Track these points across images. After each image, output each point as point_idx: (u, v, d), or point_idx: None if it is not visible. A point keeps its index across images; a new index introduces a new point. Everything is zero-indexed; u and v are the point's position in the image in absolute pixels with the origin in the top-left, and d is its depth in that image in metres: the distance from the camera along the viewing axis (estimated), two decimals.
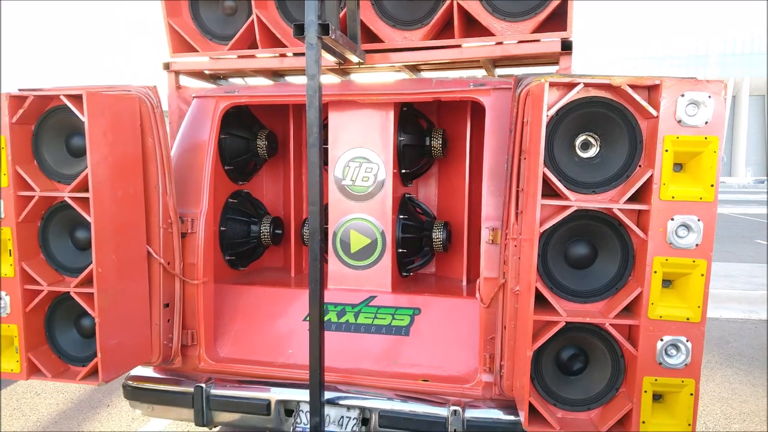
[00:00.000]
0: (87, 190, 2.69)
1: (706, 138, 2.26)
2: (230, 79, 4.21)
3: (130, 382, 3.34)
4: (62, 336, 2.98)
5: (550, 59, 3.52)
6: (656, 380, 2.36)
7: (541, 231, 2.38)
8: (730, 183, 69.91)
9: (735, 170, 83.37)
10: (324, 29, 2.74)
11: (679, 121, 2.26)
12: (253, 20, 3.56)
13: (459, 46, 3.38)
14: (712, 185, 2.27)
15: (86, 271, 2.75)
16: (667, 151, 2.28)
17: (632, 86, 2.31)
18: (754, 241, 15.51)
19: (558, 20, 3.22)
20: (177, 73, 3.77)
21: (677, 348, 2.34)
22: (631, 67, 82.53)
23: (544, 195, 2.36)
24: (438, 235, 3.87)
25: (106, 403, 4.75)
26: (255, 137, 4.07)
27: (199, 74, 3.92)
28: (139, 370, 3.35)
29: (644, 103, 2.30)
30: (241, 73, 4.06)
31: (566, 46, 3.20)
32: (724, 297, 8.45)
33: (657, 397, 2.43)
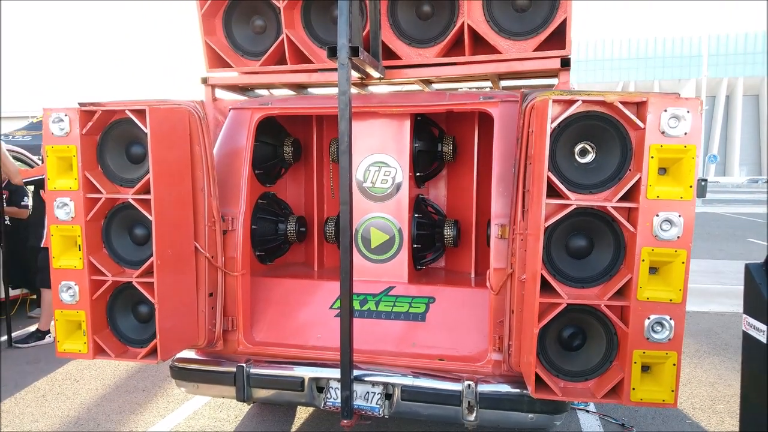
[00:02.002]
0: (148, 192, 3.08)
1: (685, 146, 2.65)
2: (257, 90, 4.60)
3: (177, 364, 3.73)
4: (122, 321, 3.35)
5: (550, 73, 3.92)
6: (644, 353, 2.76)
7: (546, 226, 2.78)
8: (724, 182, 70.47)
9: (729, 170, 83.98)
10: (354, 51, 3.14)
11: (663, 132, 2.66)
12: (282, 39, 3.94)
13: (469, 62, 3.77)
14: (690, 186, 2.67)
15: (147, 263, 3.14)
16: (652, 157, 2.67)
17: (623, 102, 2.71)
18: (745, 239, 15.97)
19: (558, 39, 3.62)
20: (213, 86, 4.16)
21: (662, 325, 2.73)
22: (626, 69, 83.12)
23: (548, 195, 2.75)
24: (449, 232, 4.26)
25: (141, 388, 5.14)
26: (282, 144, 4.47)
27: (231, 87, 4.31)
28: (184, 353, 3.73)
29: (633, 117, 2.69)
30: (270, 86, 4.44)
31: (565, 63, 3.60)
32: (714, 292, 8.88)
33: (645, 368, 2.82)
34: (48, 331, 6.52)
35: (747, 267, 2.86)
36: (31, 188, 7.02)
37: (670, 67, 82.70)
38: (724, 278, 9.86)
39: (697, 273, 10.48)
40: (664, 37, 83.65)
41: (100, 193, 3.16)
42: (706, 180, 29.84)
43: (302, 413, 4.62)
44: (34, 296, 7.64)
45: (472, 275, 4.33)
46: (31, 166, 7.69)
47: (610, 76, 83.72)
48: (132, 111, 3.07)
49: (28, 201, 6.95)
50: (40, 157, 7.65)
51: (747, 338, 2.84)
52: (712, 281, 9.61)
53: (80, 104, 3.20)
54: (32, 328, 6.77)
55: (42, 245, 6.41)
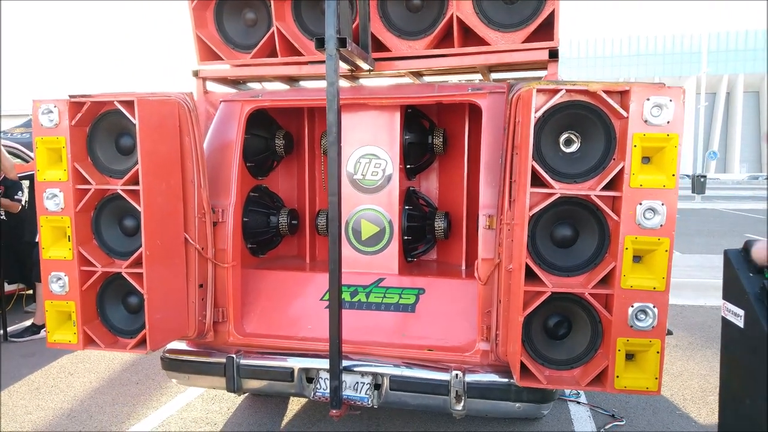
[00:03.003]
0: (137, 184, 3.10)
1: (668, 135, 2.67)
2: (248, 83, 4.61)
3: (168, 355, 3.75)
4: (111, 312, 3.37)
5: (539, 65, 3.93)
6: (628, 341, 2.78)
7: (530, 215, 2.80)
8: (725, 179, 70.48)
9: (729, 167, 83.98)
10: (342, 42, 3.16)
11: (646, 121, 2.68)
12: (273, 32, 3.96)
13: (459, 54, 3.78)
14: (673, 175, 2.69)
15: (136, 254, 3.16)
16: (635, 146, 2.69)
17: (606, 92, 2.72)
18: (743, 234, 15.96)
19: (546, 31, 3.63)
20: (204, 79, 4.17)
21: (645, 313, 2.75)
22: (626, 66, 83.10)
23: (533, 185, 2.77)
24: (439, 223, 4.28)
25: (134, 381, 5.16)
26: (273, 137, 4.49)
27: (223, 80, 4.32)
28: (175, 344, 3.75)
29: (616, 106, 2.71)
30: (261, 79, 4.46)
31: (553, 54, 3.62)
32: (709, 286, 8.86)
33: (629, 357, 2.84)
34: (43, 326, 6.53)
35: (726, 253, 2.88)
36: (26, 183, 7.04)
37: (670, 64, 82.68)
38: (719, 273, 9.81)
39: (694, 267, 10.49)
40: (665, 34, 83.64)
41: (90, 184, 3.18)
42: (705, 176, 29.90)
43: (294, 405, 4.65)
44: (30, 291, 7.66)
45: (463, 267, 4.35)
46: (27, 161, 7.71)
47: (611, 73, 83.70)
48: (121, 102, 3.10)
49: (22, 195, 6.96)
50: None
51: (726, 323, 2.86)
52: (707, 276, 9.59)
53: (70, 96, 3.21)
54: (28, 322, 6.79)
55: (37, 240, 6.43)
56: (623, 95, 2.73)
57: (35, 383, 5.18)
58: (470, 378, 3.32)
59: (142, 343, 3.25)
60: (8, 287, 7.20)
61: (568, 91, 2.75)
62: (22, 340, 6.40)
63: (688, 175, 38.78)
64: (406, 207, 4.20)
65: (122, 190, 3.15)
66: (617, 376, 2.80)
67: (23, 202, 6.99)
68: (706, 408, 4.63)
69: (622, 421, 4.37)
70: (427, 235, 4.40)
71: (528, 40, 3.66)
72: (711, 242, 14.15)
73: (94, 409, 4.60)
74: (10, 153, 7.08)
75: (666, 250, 2.71)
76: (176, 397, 4.81)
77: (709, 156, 45.94)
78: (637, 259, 2.79)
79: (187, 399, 4.77)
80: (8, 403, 4.77)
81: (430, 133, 4.34)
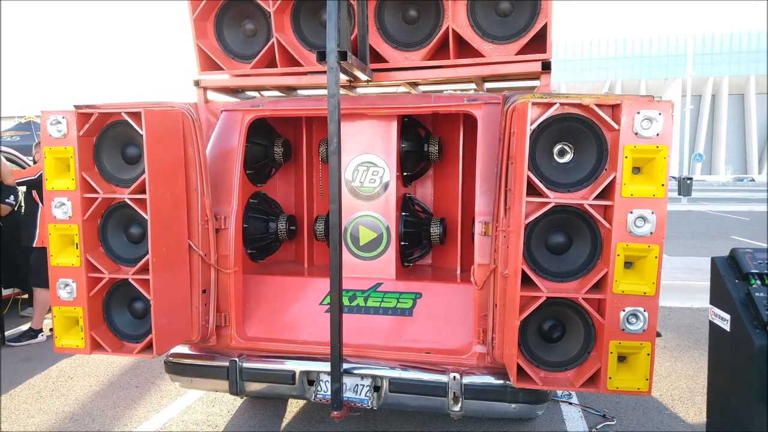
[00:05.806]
0: (144, 192, 3.19)
1: (657, 147, 2.80)
2: (247, 92, 4.70)
3: (171, 359, 3.84)
4: (118, 317, 3.46)
5: (532, 76, 4.05)
6: (620, 343, 2.90)
7: (526, 223, 2.91)
8: (710, 181, 71.11)
9: (715, 168, 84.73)
10: (342, 55, 3.26)
11: (636, 134, 2.80)
12: (272, 42, 4.05)
13: (454, 65, 3.89)
14: (662, 185, 2.81)
15: (143, 261, 3.25)
16: (626, 157, 2.81)
17: (598, 105, 2.84)
18: (729, 237, 16.20)
19: (539, 43, 3.75)
20: (205, 88, 4.26)
21: (636, 317, 2.87)
22: (613, 68, 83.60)
23: (528, 194, 2.88)
24: (435, 229, 4.39)
25: (134, 384, 5.24)
26: (272, 145, 4.58)
27: (223, 89, 4.41)
28: (178, 349, 3.83)
29: (608, 119, 2.83)
30: (261, 88, 4.55)
31: (546, 66, 3.73)
32: (696, 288, 9.04)
33: (621, 359, 2.96)
34: (40, 330, 6.60)
35: (713, 260, 3.01)
36: (23, 189, 7.09)
37: (656, 67, 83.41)
38: (707, 275, 9.99)
39: (680, 270, 10.67)
40: (651, 36, 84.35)
41: (97, 193, 3.26)
42: (691, 178, 30.19)
43: (293, 407, 4.74)
44: (26, 296, 7.70)
45: (458, 271, 4.47)
46: (23, 167, 7.75)
47: (597, 76, 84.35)
48: (128, 113, 3.18)
49: (15, 200, 7.02)
50: (32, 158, 7.71)
51: (713, 327, 2.99)
52: (694, 278, 9.78)
53: (76, 107, 3.29)
54: (25, 326, 6.85)
55: (34, 245, 6.50)
56: (615, 109, 2.85)
57: (36, 387, 5.24)
58: (467, 380, 3.43)
59: (148, 347, 3.34)
60: (4, 291, 7.24)
61: (562, 104, 2.87)
62: (20, 345, 6.45)
63: (674, 177, 39.16)
64: (403, 213, 4.31)
65: (129, 198, 3.23)
66: (609, 378, 2.92)
67: (15, 206, 7.04)
68: (694, 408, 4.77)
69: (613, 420, 4.50)
70: (423, 240, 4.50)
71: (521, 51, 3.77)
72: (698, 245, 14.36)
73: (95, 413, 4.68)
74: (6, 159, 7.13)
75: (656, 257, 2.83)
76: (177, 400, 4.88)
77: (694, 158, 46.42)
78: (628, 265, 2.91)
79: (188, 402, 4.85)
80: (10, 406, 4.83)
81: (425, 142, 4.45)
